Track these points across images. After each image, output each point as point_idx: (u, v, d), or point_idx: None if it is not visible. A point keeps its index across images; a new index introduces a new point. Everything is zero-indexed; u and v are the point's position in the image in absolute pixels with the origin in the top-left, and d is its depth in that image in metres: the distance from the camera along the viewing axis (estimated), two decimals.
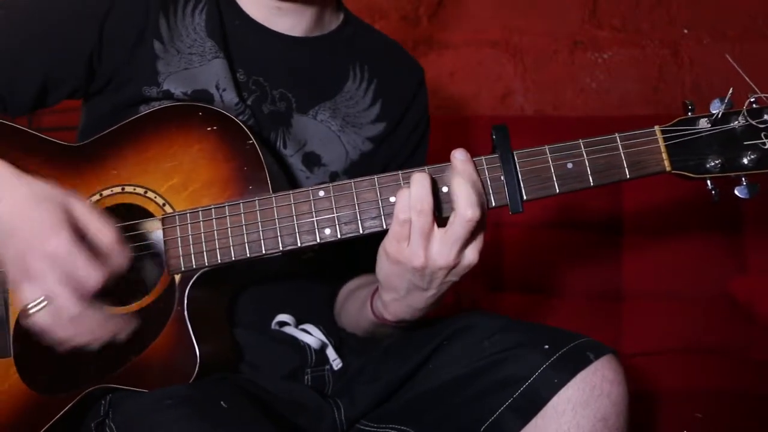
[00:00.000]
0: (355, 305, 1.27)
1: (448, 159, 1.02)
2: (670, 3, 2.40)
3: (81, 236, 0.95)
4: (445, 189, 1.02)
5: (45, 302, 0.93)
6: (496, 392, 1.05)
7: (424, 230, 0.98)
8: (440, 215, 1.01)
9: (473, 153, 1.03)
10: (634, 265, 2.02)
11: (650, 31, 2.41)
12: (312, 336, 1.23)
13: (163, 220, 1.07)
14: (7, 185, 0.98)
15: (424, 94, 1.42)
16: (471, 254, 1.00)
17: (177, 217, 1.07)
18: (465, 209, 0.97)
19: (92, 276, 0.94)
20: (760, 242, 1.99)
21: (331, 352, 1.24)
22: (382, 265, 1.05)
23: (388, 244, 1.02)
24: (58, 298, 0.93)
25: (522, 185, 1.02)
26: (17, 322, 1.11)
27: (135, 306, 1.08)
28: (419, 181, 0.98)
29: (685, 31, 2.40)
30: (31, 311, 0.93)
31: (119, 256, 0.98)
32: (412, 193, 0.98)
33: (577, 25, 2.43)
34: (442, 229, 0.99)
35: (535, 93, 2.43)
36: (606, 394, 1.01)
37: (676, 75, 2.39)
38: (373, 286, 1.18)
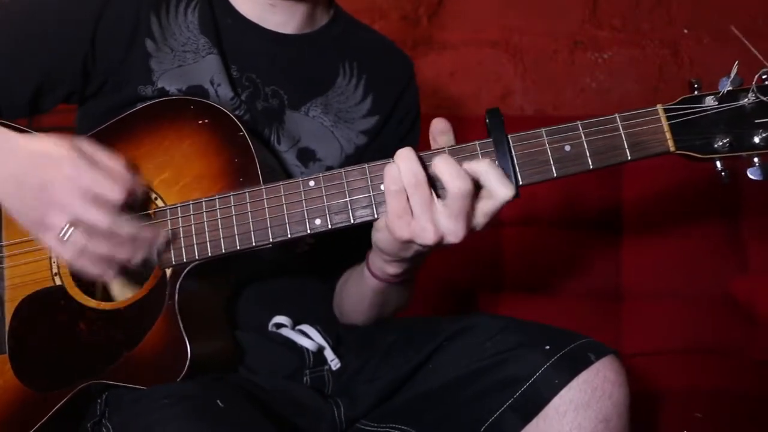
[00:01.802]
0: (354, 283, 1.26)
1: None
2: (670, 3, 2.39)
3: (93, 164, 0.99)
4: (431, 171, 0.99)
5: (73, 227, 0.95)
6: (496, 392, 1.05)
7: (425, 202, 0.96)
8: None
9: None
10: (634, 265, 2.02)
11: (650, 31, 2.40)
12: (309, 339, 1.22)
13: (154, 214, 1.07)
14: (21, 140, 1.02)
15: (414, 88, 1.42)
16: (480, 221, 0.98)
17: (168, 210, 1.07)
18: (453, 186, 0.95)
19: (114, 188, 0.97)
20: (761, 242, 1.98)
21: (329, 353, 1.23)
22: (386, 244, 1.03)
23: (393, 226, 0.98)
24: (86, 215, 0.95)
25: (517, 169, 0.98)
26: (12, 318, 1.12)
27: (127, 301, 1.08)
28: (406, 156, 0.96)
29: (685, 31, 2.39)
30: (65, 237, 0.95)
31: (132, 178, 1.00)
32: (402, 169, 0.96)
33: (577, 25, 2.42)
34: (441, 201, 0.96)
35: (535, 93, 2.43)
36: (608, 395, 1.01)
37: (676, 75, 2.38)
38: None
